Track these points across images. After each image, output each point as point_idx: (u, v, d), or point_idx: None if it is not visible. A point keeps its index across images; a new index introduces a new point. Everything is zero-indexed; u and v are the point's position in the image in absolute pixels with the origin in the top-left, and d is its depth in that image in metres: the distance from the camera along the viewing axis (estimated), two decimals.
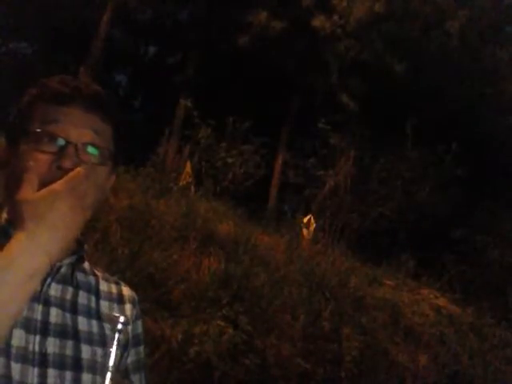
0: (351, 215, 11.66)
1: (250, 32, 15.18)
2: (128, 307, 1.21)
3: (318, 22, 14.97)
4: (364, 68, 15.40)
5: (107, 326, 1.14)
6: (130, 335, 1.20)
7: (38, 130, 1.05)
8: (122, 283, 1.26)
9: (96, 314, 1.14)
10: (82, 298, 1.14)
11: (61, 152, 1.03)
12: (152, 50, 20.75)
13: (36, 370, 1.02)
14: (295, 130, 16.81)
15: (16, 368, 1.00)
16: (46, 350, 1.04)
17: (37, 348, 1.03)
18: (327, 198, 11.94)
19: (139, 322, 1.24)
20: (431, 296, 9.27)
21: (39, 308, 1.06)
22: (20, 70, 15.62)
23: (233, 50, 15.52)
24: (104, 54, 15.27)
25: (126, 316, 1.19)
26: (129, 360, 1.20)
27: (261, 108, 16.31)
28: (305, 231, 10.12)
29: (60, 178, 0.99)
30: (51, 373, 1.03)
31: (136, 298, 1.26)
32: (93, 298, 1.16)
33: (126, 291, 1.24)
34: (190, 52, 17.23)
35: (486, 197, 15.15)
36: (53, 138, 1.05)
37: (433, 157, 13.77)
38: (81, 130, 1.06)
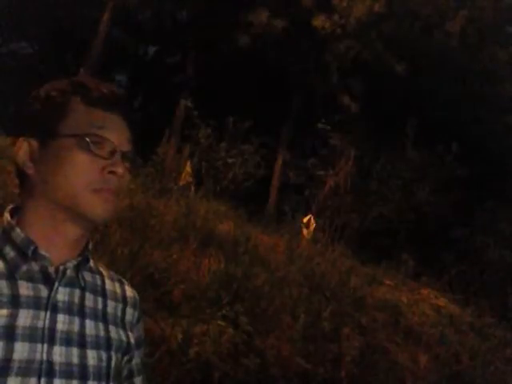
0: (351, 215, 11.66)
1: (250, 32, 15.17)
2: (129, 311, 1.20)
3: (318, 21, 14.96)
4: (364, 68, 15.40)
5: (112, 329, 1.13)
6: (132, 338, 1.18)
7: (84, 131, 1.06)
8: (126, 282, 1.24)
9: (102, 317, 1.13)
10: (89, 300, 1.12)
11: (112, 157, 1.07)
12: (152, 49, 20.75)
13: (43, 381, 1.00)
14: (295, 130, 16.81)
15: (17, 381, 0.97)
16: (52, 359, 1.02)
17: (44, 357, 1.01)
18: (327, 197, 11.94)
19: (141, 324, 1.23)
20: (431, 296, 9.27)
21: (47, 315, 1.03)
22: (20, 70, 15.62)
23: (233, 50, 15.52)
24: (104, 54, 15.27)
25: (127, 318, 1.18)
26: (133, 362, 1.19)
27: (261, 108, 16.31)
28: (305, 231, 10.11)
29: (113, 183, 1.06)
30: (58, 383, 1.01)
31: (137, 298, 1.24)
32: (99, 299, 1.14)
33: (129, 292, 1.23)
34: (190, 52, 17.23)
35: (486, 197, 15.15)
36: (101, 142, 1.07)
37: (433, 157, 13.78)
38: (123, 138, 1.11)
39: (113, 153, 1.07)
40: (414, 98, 15.97)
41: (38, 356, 1.00)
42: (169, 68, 19.96)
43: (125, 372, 1.17)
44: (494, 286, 11.80)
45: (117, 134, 1.09)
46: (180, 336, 5.16)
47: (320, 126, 12.79)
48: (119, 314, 1.17)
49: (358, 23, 14.97)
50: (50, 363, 1.01)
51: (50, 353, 1.02)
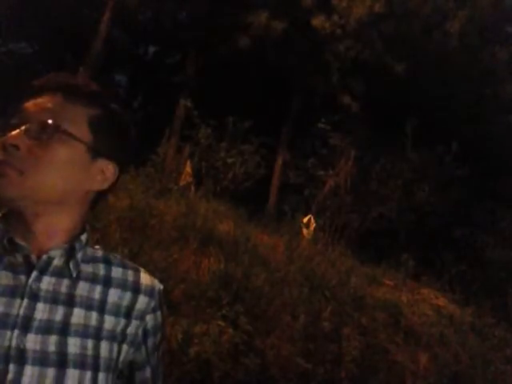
0: (351, 215, 11.65)
1: (250, 32, 15.17)
2: (142, 299, 1.18)
3: (318, 22, 14.96)
4: (364, 68, 15.40)
5: (108, 319, 1.11)
6: (142, 329, 1.18)
7: (8, 120, 1.08)
8: (143, 270, 1.22)
9: (98, 306, 1.11)
10: (82, 289, 1.10)
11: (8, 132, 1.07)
12: (152, 49, 20.76)
13: (11, 366, 0.99)
14: (295, 129, 16.80)
15: None
16: (24, 346, 1.01)
17: (13, 344, 1.00)
18: (327, 197, 11.94)
19: (158, 313, 1.22)
20: (431, 296, 9.27)
21: (23, 303, 1.03)
22: (20, 69, 15.62)
23: (233, 50, 15.51)
24: (104, 54, 15.26)
25: (135, 308, 1.16)
26: (139, 353, 1.19)
27: (261, 108, 16.31)
28: (305, 231, 10.11)
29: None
30: (29, 370, 1.00)
31: (157, 288, 1.23)
32: (97, 288, 1.12)
33: (145, 280, 1.20)
34: (190, 52, 17.22)
35: (486, 197, 15.15)
36: (11, 122, 1.08)
37: (433, 157, 13.77)
38: (34, 111, 1.08)
39: (11, 128, 1.07)
40: (414, 97, 15.96)
41: (6, 342, 1.00)
42: (169, 68, 19.95)
43: (127, 363, 1.16)
44: (494, 285, 11.79)
45: (32, 110, 1.09)
46: (180, 336, 5.16)
47: (320, 125, 12.79)
48: (126, 302, 1.15)
49: (358, 23, 14.97)
50: (21, 350, 1.00)
51: (21, 340, 1.01)
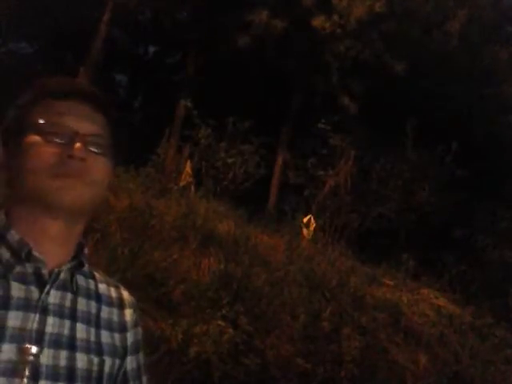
0: (351, 215, 11.65)
1: (250, 32, 15.17)
2: (128, 312, 1.20)
3: (318, 21, 14.96)
4: (364, 68, 15.39)
5: (104, 334, 1.13)
6: (129, 342, 1.18)
7: (43, 122, 1.07)
8: (122, 287, 1.24)
9: (95, 321, 1.12)
10: (81, 304, 1.11)
11: (71, 142, 1.06)
12: (152, 49, 20.76)
13: (26, 382, 0.99)
14: (295, 129, 16.80)
15: (2, 381, 0.97)
16: (38, 361, 1.01)
17: (31, 358, 1.01)
18: (327, 198, 11.94)
19: (139, 329, 1.23)
20: (431, 296, 9.26)
21: (36, 317, 1.03)
22: (20, 70, 15.60)
23: (233, 50, 15.51)
24: (104, 54, 15.27)
25: (125, 322, 1.18)
26: (129, 367, 1.18)
27: (261, 108, 16.31)
28: (305, 231, 10.11)
29: (72, 166, 1.04)
30: None
31: (135, 303, 1.23)
32: (93, 304, 1.14)
33: (126, 295, 1.22)
34: (190, 52, 17.22)
35: (486, 197, 15.15)
36: (59, 129, 1.07)
37: (433, 157, 13.77)
38: (83, 122, 1.09)
39: (72, 137, 1.06)
40: (414, 98, 15.96)
41: (24, 357, 1.00)
42: (169, 68, 19.97)
43: (119, 378, 1.16)
44: (494, 286, 11.79)
45: (76, 119, 1.09)
46: (180, 336, 5.16)
47: (320, 126, 12.79)
48: (115, 318, 1.17)
49: (358, 23, 14.97)
50: (36, 365, 1.01)
51: (37, 354, 1.01)
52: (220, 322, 5.50)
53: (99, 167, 1.09)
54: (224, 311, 5.65)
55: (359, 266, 9.14)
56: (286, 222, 10.80)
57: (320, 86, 15.88)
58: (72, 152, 1.05)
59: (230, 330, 5.51)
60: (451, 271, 10.66)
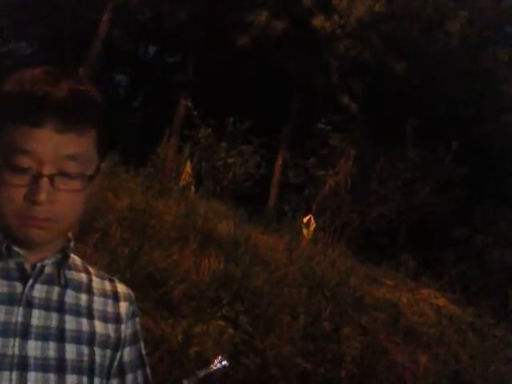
0: (351, 215, 11.66)
1: (249, 32, 15.17)
2: (123, 305, 1.19)
3: (318, 21, 14.95)
4: (364, 68, 15.39)
5: (98, 324, 1.13)
6: (124, 334, 1.17)
7: (11, 160, 0.99)
8: (117, 280, 1.23)
9: (86, 313, 1.12)
10: (70, 296, 1.11)
11: (34, 185, 0.99)
12: (152, 49, 20.74)
13: (15, 374, 1.00)
14: (295, 130, 16.78)
15: None
16: (26, 353, 1.02)
17: (16, 351, 1.01)
18: (327, 198, 11.94)
19: (137, 320, 1.22)
20: (431, 296, 9.27)
21: (20, 311, 1.03)
22: (19, 69, 15.61)
23: (233, 50, 15.51)
24: (104, 54, 15.26)
25: (119, 314, 1.18)
26: (126, 359, 1.18)
27: (261, 108, 16.29)
28: (305, 231, 10.11)
29: (39, 211, 1.00)
30: (32, 376, 1.01)
31: (132, 295, 1.23)
32: (83, 296, 1.13)
33: (121, 288, 1.21)
34: (190, 52, 17.22)
35: (486, 197, 15.14)
36: (23, 170, 0.99)
37: (433, 157, 13.78)
38: (54, 158, 1.00)
39: (36, 177, 0.99)
40: (414, 98, 15.96)
41: (9, 350, 1.01)
42: (169, 68, 19.95)
43: (115, 368, 1.16)
44: (494, 286, 11.80)
45: (45, 155, 0.99)
46: (180, 336, 5.16)
47: (320, 125, 12.79)
48: (110, 309, 1.16)
49: (358, 23, 14.96)
50: (24, 357, 1.02)
51: (23, 347, 1.02)
52: (220, 322, 5.51)
53: (72, 201, 1.03)
54: (224, 311, 5.66)
55: (359, 266, 9.14)
56: (285, 221, 10.81)
57: (320, 86, 15.87)
58: (33, 197, 0.99)
59: (230, 330, 5.51)
60: (451, 271, 10.67)
